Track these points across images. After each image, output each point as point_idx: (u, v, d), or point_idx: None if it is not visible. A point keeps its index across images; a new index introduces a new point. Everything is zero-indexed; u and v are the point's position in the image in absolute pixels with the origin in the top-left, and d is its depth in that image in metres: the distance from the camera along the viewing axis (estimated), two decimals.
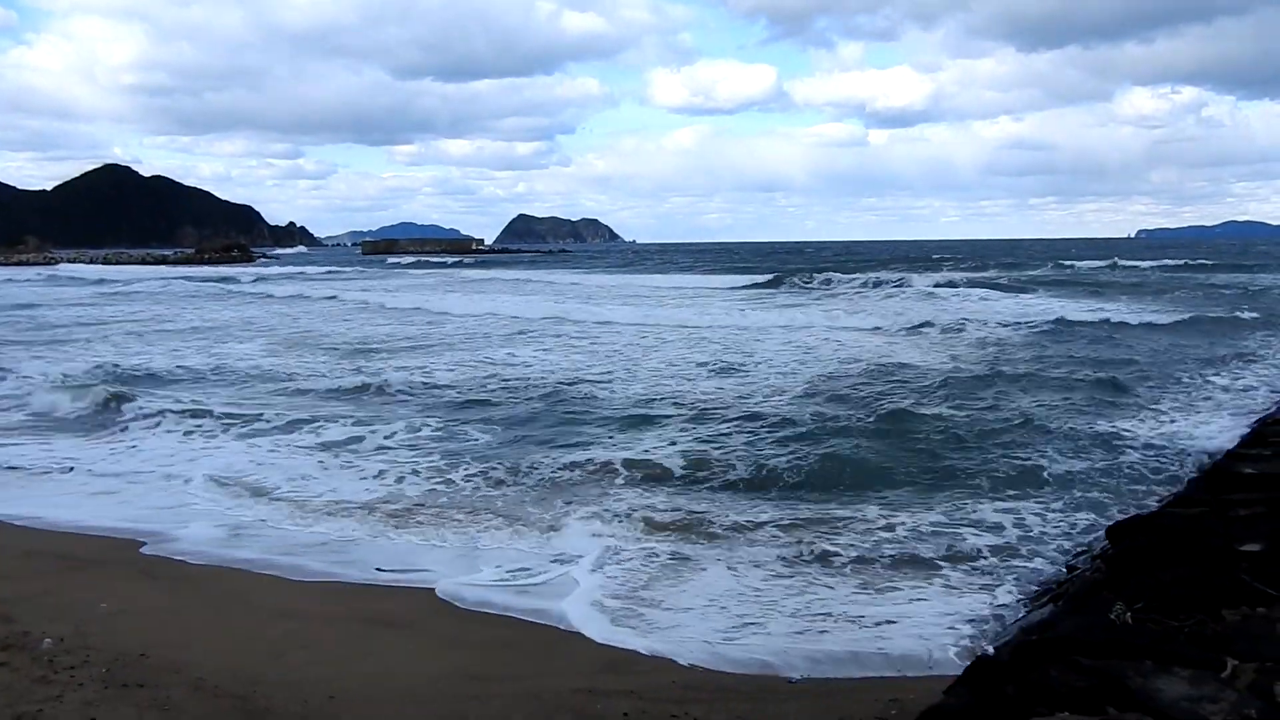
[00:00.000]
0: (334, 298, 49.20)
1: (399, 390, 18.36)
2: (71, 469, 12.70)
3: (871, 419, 14.27)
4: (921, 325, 28.26)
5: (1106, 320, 29.15)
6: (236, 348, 26.38)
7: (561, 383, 18.88)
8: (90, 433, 15.02)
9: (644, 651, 7.10)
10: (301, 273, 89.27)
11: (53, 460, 13.19)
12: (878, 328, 28.34)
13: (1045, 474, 11.24)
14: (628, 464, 12.09)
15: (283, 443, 13.93)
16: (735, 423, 14.48)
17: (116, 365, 22.04)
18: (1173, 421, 14.15)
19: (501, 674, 6.73)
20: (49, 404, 16.84)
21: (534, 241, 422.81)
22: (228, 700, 6.17)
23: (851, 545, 9.05)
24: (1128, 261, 72.19)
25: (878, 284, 47.52)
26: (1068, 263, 73.83)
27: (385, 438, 14.02)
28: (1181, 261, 72.93)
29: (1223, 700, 3.38)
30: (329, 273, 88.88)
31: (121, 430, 15.01)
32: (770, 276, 57.42)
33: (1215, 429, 13.35)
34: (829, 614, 7.62)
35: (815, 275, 56.73)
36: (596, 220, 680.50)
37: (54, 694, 6.11)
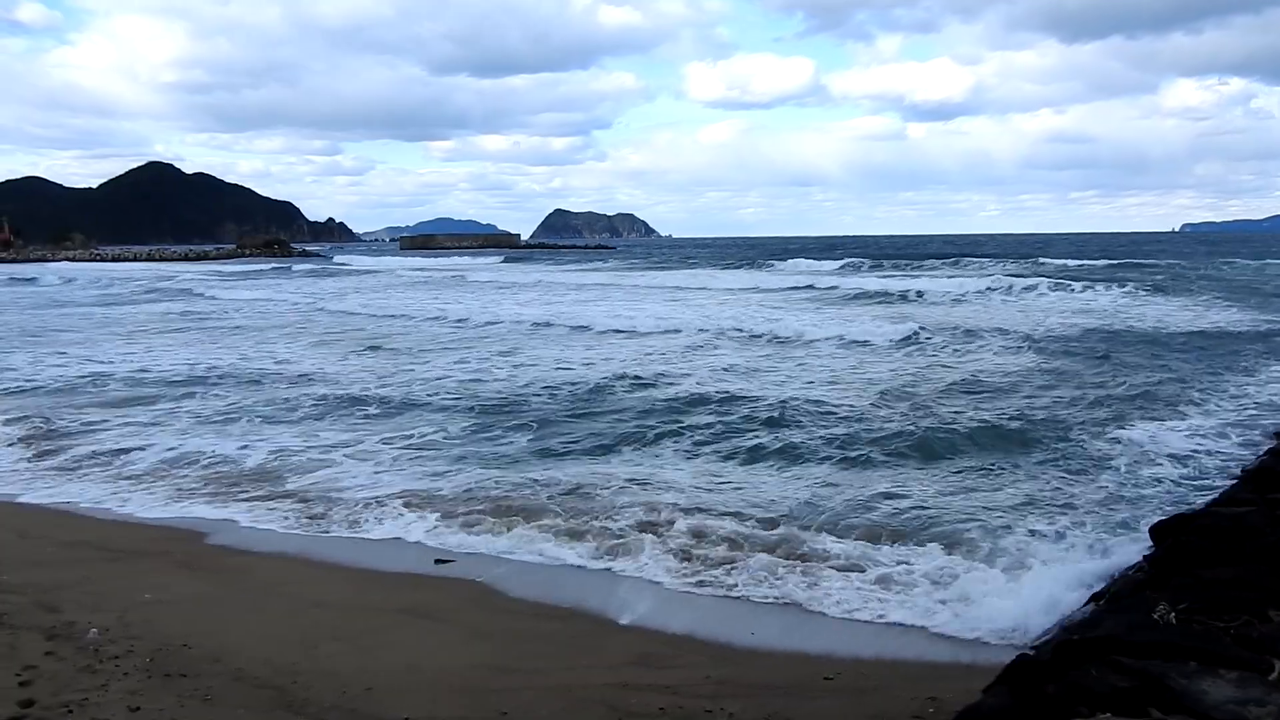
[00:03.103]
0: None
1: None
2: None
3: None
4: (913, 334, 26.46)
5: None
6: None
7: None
8: None
9: (678, 631, 7.21)
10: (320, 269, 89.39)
11: None
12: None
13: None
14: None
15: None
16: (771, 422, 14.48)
17: None
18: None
19: (537, 666, 6.76)
20: None
21: (570, 236, 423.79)
22: (268, 690, 6.24)
23: None
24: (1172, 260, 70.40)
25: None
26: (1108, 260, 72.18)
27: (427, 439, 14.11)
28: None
29: (1270, 704, 3.30)
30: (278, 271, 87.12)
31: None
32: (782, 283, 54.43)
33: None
34: None
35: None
36: (632, 215, 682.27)
37: (99, 683, 6.21)
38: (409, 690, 6.30)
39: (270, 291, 53.35)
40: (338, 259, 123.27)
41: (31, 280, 70.90)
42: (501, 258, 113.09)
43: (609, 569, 8.69)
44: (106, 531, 9.98)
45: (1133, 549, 7.85)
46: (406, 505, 10.60)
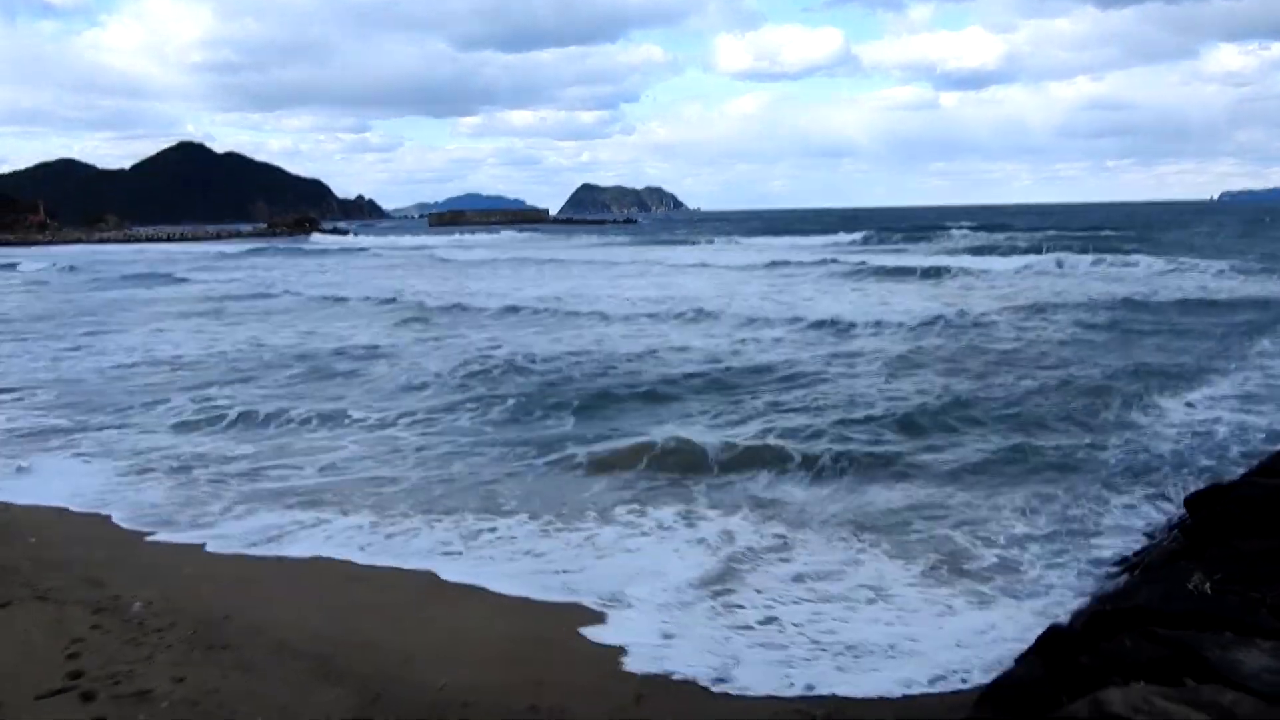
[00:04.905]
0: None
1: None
2: None
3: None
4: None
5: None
6: None
7: None
8: None
9: None
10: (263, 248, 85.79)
11: None
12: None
13: None
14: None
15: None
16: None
17: None
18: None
19: (573, 635, 6.84)
20: None
21: (598, 211, 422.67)
22: (308, 661, 6.36)
23: None
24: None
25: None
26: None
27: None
28: None
29: None
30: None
31: None
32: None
33: None
34: None
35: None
36: (660, 189, 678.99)
37: (144, 655, 6.37)
38: (447, 660, 6.40)
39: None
40: (314, 238, 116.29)
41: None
42: (498, 233, 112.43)
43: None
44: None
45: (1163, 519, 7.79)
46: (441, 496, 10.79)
